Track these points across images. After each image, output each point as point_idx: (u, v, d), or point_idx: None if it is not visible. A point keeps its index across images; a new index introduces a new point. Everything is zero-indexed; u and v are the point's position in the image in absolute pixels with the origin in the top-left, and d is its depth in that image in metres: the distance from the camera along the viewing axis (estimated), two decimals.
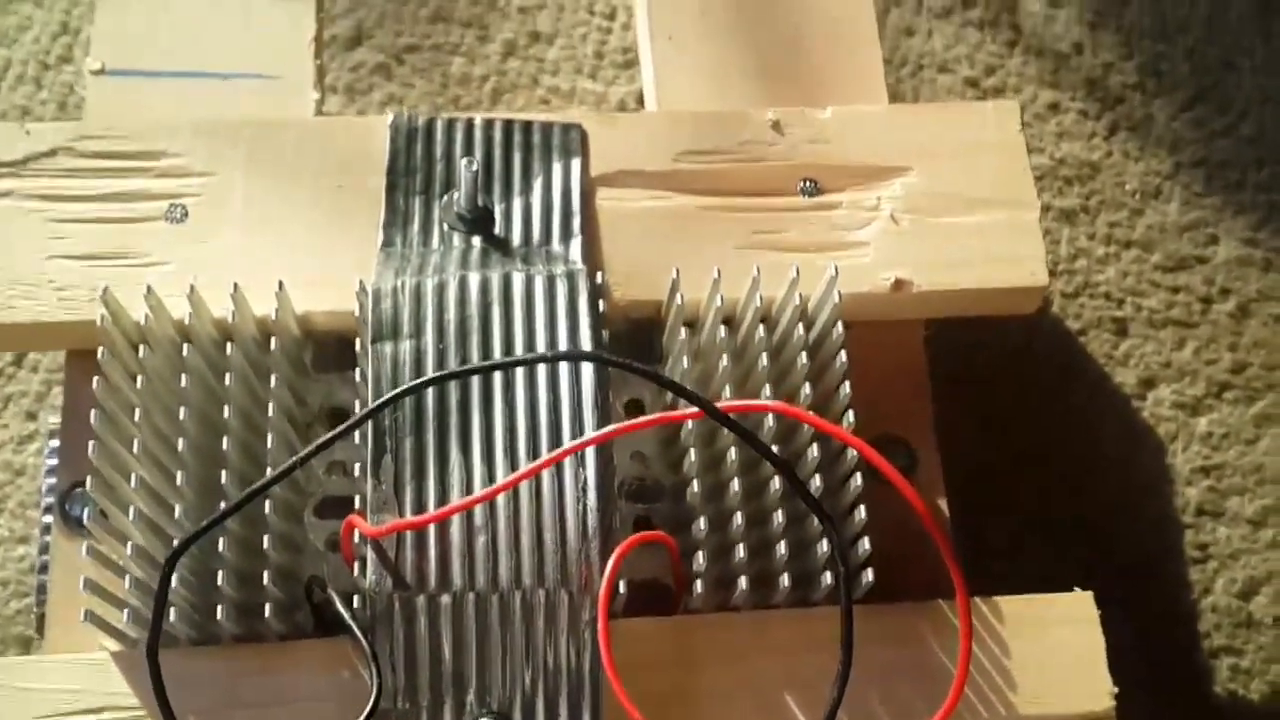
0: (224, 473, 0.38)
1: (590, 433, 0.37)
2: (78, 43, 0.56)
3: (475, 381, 0.38)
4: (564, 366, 0.38)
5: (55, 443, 0.43)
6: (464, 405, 0.38)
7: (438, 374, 0.36)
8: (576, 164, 0.44)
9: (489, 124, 0.44)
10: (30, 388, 0.51)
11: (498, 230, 0.43)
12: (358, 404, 0.40)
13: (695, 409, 0.36)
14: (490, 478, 0.37)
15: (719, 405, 0.35)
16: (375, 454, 0.37)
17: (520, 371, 0.38)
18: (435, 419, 0.37)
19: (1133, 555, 0.53)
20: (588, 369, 0.38)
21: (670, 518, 0.41)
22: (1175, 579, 0.52)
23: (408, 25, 0.58)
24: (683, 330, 0.41)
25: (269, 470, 0.37)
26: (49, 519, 0.42)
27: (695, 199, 0.44)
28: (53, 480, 0.42)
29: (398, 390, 0.36)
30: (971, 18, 0.61)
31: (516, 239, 0.43)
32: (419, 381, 0.36)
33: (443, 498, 0.36)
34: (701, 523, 0.39)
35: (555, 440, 0.37)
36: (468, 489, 0.37)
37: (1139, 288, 0.57)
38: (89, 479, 0.37)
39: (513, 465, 0.37)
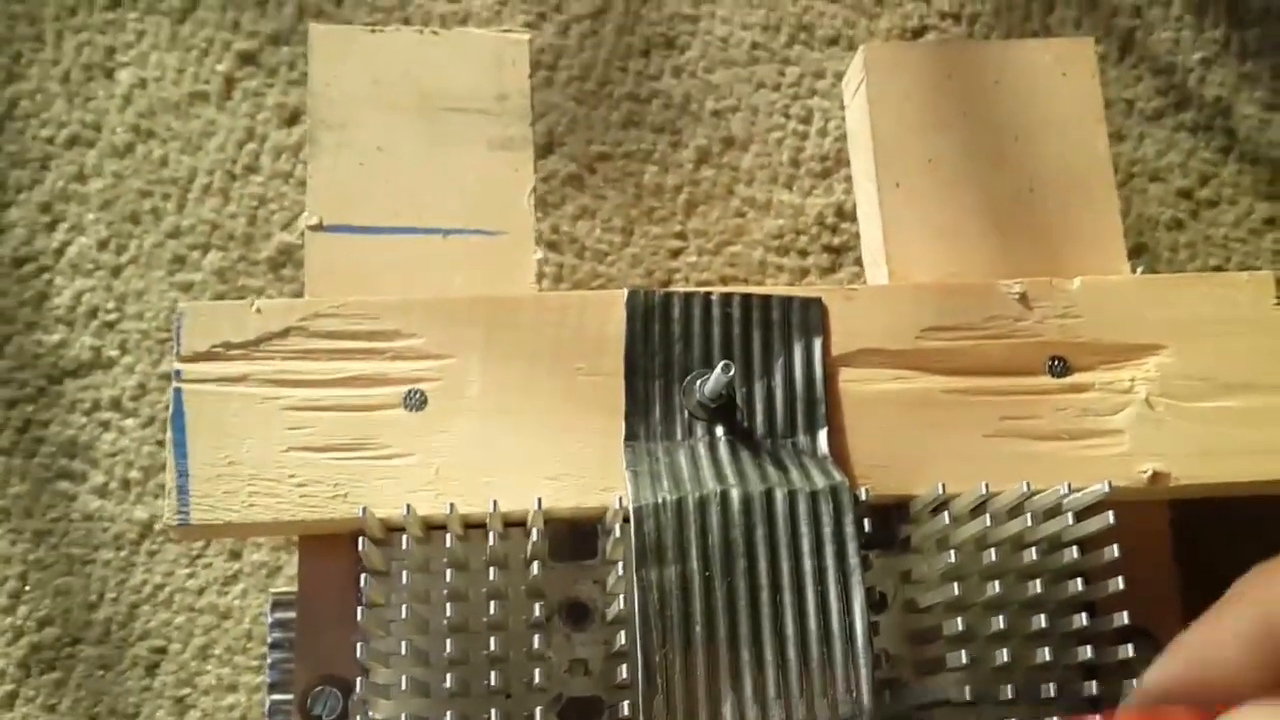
0: (492, 673, 0.38)
1: (864, 678, 0.36)
2: (264, 150, 0.55)
3: (744, 613, 0.37)
4: (832, 592, 0.37)
5: (277, 634, 0.42)
6: (733, 639, 0.36)
7: None
8: (818, 344, 0.43)
9: (727, 300, 0.43)
10: None
11: (740, 418, 0.42)
12: (603, 605, 0.40)
13: None
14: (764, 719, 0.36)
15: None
16: (647, 694, 0.36)
17: (789, 601, 0.37)
18: (705, 653, 0.36)
19: None
20: (858, 606, 0.37)
21: None
22: None
23: (599, 131, 0.56)
24: (943, 521, 0.39)
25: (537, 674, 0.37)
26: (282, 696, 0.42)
27: (940, 380, 0.43)
28: (277, 675, 0.42)
29: None
30: (1184, 120, 0.58)
31: (760, 428, 0.41)
32: None
33: None
34: None
35: (827, 678, 0.36)
36: None
37: None
38: (360, 684, 0.37)
39: (786, 707, 0.36)
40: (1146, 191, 0.57)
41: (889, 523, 0.42)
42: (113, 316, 0.53)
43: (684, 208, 0.56)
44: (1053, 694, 0.38)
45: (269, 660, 0.44)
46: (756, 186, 0.56)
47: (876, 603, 0.41)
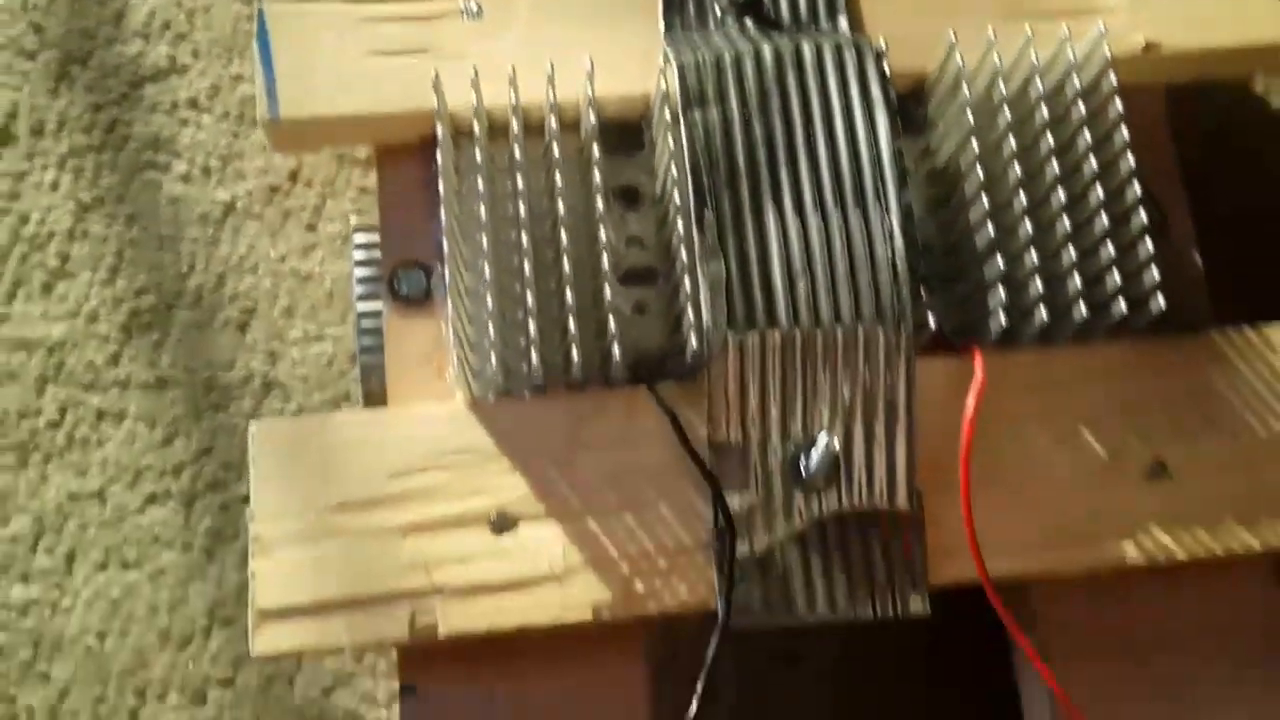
0: (560, 240, 0.42)
1: (891, 184, 0.40)
2: None
3: (780, 142, 0.41)
4: (860, 124, 0.41)
5: (363, 237, 0.46)
6: (772, 164, 0.41)
7: None
8: None
9: None
10: (308, 201, 0.55)
11: (768, 11, 0.46)
12: (652, 190, 0.44)
13: None
14: (803, 227, 0.40)
15: None
16: (698, 209, 0.40)
17: (820, 131, 0.41)
18: (748, 176, 0.41)
19: None
20: (883, 127, 0.41)
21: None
22: None
23: None
24: (961, 93, 0.43)
25: (600, 240, 0.41)
26: (370, 304, 0.46)
27: None
28: (365, 271, 0.46)
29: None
30: None
31: (786, 18, 0.46)
32: None
33: (762, 246, 0.40)
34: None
35: (859, 192, 0.40)
36: (784, 238, 0.40)
37: None
38: (446, 249, 0.41)
39: (822, 215, 0.40)
40: None
41: (906, 110, 0.46)
42: (184, 28, 0.57)
43: None
44: (1068, 229, 0.41)
45: (356, 287, 0.47)
46: None
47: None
